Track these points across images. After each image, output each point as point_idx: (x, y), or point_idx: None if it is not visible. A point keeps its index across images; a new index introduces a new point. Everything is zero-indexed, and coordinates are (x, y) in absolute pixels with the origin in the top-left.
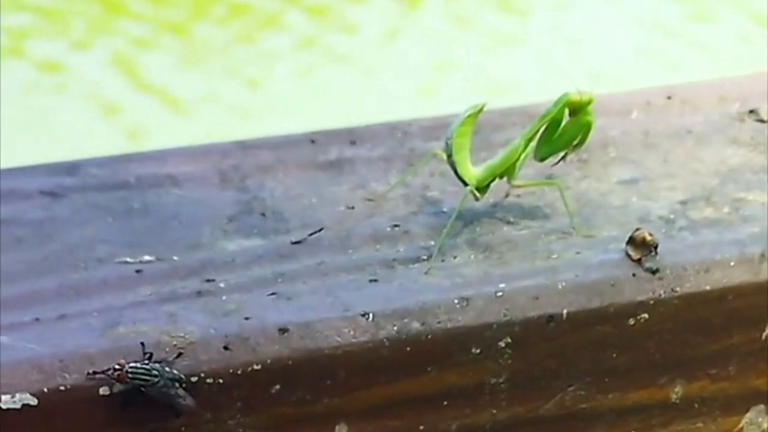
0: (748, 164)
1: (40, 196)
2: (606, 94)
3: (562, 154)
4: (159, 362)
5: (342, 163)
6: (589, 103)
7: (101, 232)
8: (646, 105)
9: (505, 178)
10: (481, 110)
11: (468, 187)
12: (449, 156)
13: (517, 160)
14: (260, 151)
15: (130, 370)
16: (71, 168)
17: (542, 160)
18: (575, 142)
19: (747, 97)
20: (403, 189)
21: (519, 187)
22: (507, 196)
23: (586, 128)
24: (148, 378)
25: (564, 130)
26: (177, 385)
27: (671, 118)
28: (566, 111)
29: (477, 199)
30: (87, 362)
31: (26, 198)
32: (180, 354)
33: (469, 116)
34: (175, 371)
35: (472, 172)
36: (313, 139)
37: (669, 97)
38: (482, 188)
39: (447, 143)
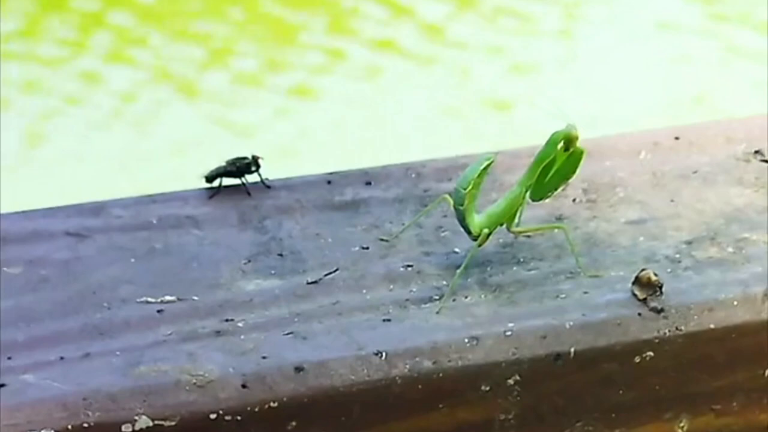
0: (752, 204)
1: (65, 236)
2: (615, 135)
3: (557, 191)
4: None
5: (357, 203)
6: (576, 136)
7: (124, 273)
8: (653, 146)
9: (506, 226)
10: (492, 162)
11: (471, 238)
12: (458, 205)
13: (518, 208)
14: (279, 191)
15: None
16: (96, 209)
17: (540, 200)
18: (569, 176)
19: (753, 138)
20: (416, 229)
21: (521, 233)
22: (517, 236)
23: (579, 159)
24: None
25: (559, 167)
26: None
27: (678, 159)
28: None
29: (479, 245)
30: (109, 400)
31: (52, 238)
32: None
33: (483, 169)
34: None
35: (476, 221)
36: (329, 180)
37: (677, 138)
38: (484, 237)
39: (459, 193)
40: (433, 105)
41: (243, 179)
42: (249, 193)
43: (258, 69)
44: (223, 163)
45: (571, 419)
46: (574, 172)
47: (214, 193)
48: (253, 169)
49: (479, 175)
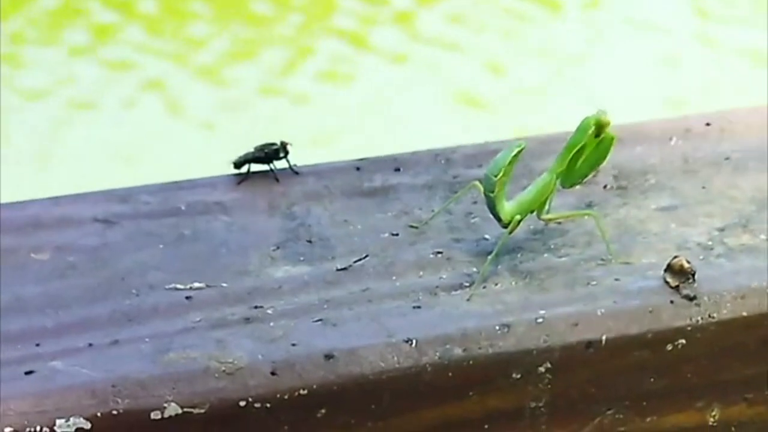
0: None
1: (93, 223)
2: (646, 122)
3: (588, 177)
4: None
5: (387, 189)
6: (608, 122)
7: (153, 259)
8: (685, 132)
9: (536, 213)
10: (523, 149)
11: (501, 225)
12: (489, 192)
13: (549, 195)
14: (307, 178)
15: None
16: (124, 195)
17: (571, 187)
18: (600, 162)
19: None
20: (446, 216)
21: (552, 220)
22: (547, 223)
23: (609, 145)
24: None
25: (589, 154)
26: None
27: (710, 145)
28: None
29: (510, 233)
30: (138, 387)
31: (81, 225)
32: None
33: (513, 156)
34: None
35: (507, 208)
36: (358, 167)
37: (708, 124)
38: (515, 225)
39: (489, 180)
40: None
41: (271, 165)
42: (277, 179)
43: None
44: (252, 149)
45: (602, 407)
46: (604, 158)
47: (242, 179)
48: (282, 155)
49: (510, 162)
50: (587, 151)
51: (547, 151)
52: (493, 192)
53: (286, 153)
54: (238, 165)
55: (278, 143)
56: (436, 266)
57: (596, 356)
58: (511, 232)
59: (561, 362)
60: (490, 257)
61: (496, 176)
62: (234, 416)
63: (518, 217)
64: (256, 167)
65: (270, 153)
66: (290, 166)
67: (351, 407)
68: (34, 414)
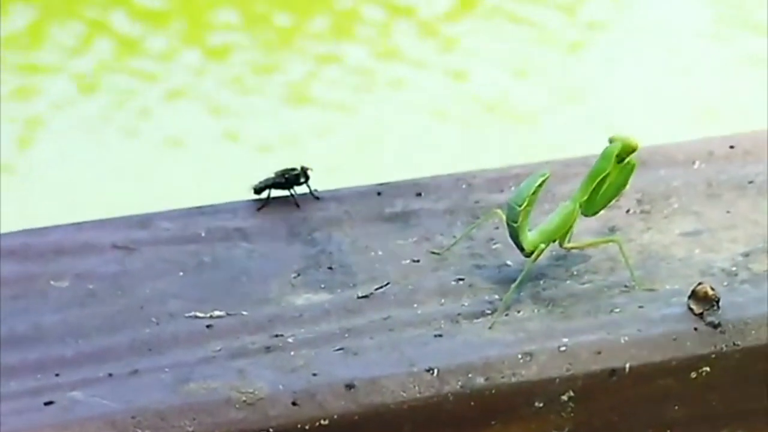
0: None
1: (113, 250)
2: (669, 144)
3: (609, 204)
4: None
5: (408, 215)
6: (636, 147)
7: (173, 287)
8: (708, 155)
9: (558, 242)
10: (547, 178)
11: (524, 255)
12: (512, 221)
13: (572, 224)
14: (328, 203)
15: None
16: (143, 221)
17: (593, 215)
18: (621, 190)
19: None
20: (468, 242)
21: (574, 248)
22: (570, 249)
23: (631, 172)
24: None
25: (612, 181)
26: None
27: (734, 168)
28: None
29: (533, 262)
30: (158, 418)
31: (100, 252)
32: None
33: (538, 186)
34: None
35: (529, 238)
36: (379, 191)
37: (732, 147)
38: (538, 254)
39: (513, 210)
40: None
41: (292, 191)
42: (297, 205)
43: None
44: (272, 175)
45: None
46: (625, 185)
47: (262, 204)
48: (302, 180)
49: (534, 192)
50: (610, 178)
51: (568, 175)
52: (516, 222)
53: (307, 178)
54: (258, 191)
55: (299, 168)
56: (458, 293)
57: (620, 384)
58: (534, 261)
59: (584, 391)
60: (513, 286)
61: (520, 206)
62: None
63: (542, 246)
64: (275, 193)
65: (290, 178)
66: (311, 191)
67: None
68: None
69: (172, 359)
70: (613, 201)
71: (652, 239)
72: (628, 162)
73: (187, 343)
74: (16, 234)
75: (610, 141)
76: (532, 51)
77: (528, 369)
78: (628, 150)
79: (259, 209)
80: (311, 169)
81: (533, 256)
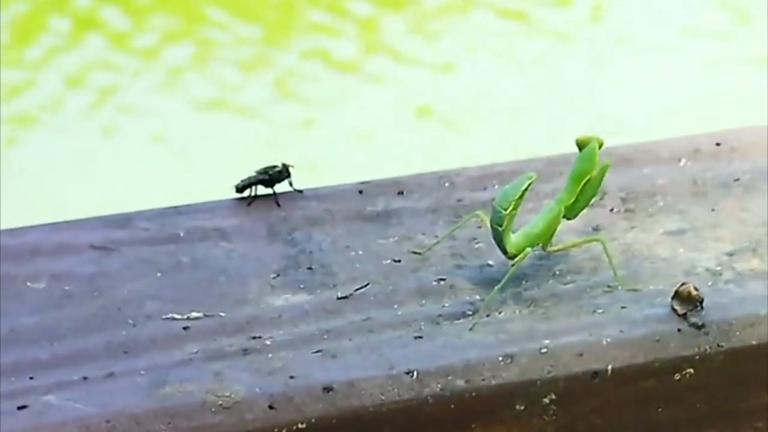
0: None
1: (90, 250)
2: (654, 142)
3: (587, 206)
4: None
5: (389, 214)
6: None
7: (150, 287)
8: (694, 152)
9: (541, 245)
10: (533, 181)
11: (507, 257)
12: (497, 225)
13: (556, 227)
14: (308, 202)
15: None
16: (122, 221)
17: (574, 218)
18: (597, 190)
19: None
20: (449, 241)
21: (558, 251)
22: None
23: (605, 172)
24: None
25: (591, 181)
26: None
27: (720, 166)
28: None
29: (517, 265)
30: (133, 422)
31: (77, 252)
32: None
33: (524, 189)
34: None
35: (513, 241)
36: (361, 190)
37: (718, 144)
38: (522, 258)
39: (498, 213)
40: None
41: (273, 189)
42: (278, 204)
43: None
44: (253, 173)
45: None
46: (600, 185)
47: (249, 202)
48: (284, 176)
49: (521, 196)
50: (592, 179)
51: (552, 173)
52: (501, 225)
53: (289, 175)
54: (240, 189)
55: (280, 165)
56: (439, 294)
57: (602, 386)
58: (518, 265)
59: (566, 393)
60: (495, 289)
61: (506, 210)
62: None
63: (528, 249)
64: (260, 190)
65: (273, 175)
66: (292, 187)
67: None
68: None
69: (148, 362)
70: (591, 202)
71: (636, 238)
72: (604, 163)
73: (164, 345)
74: None
75: (581, 142)
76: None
77: (509, 371)
78: (600, 145)
79: (249, 204)
80: (292, 166)
81: (517, 259)
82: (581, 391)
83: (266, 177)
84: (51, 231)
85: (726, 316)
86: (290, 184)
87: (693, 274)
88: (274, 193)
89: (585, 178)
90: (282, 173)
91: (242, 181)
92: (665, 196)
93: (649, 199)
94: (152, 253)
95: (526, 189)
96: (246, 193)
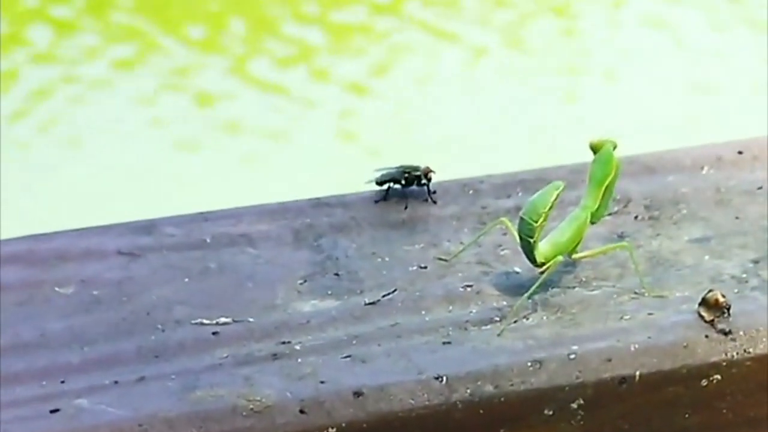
0: None
1: (117, 256)
2: (677, 150)
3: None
4: None
5: (414, 221)
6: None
7: (178, 293)
8: (717, 160)
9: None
10: (561, 191)
11: (537, 268)
12: (525, 235)
13: (583, 235)
14: (334, 209)
15: None
16: (148, 227)
17: (598, 221)
18: (612, 192)
19: None
20: (475, 248)
21: (585, 258)
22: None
23: (618, 174)
24: None
25: (611, 184)
26: None
27: (742, 174)
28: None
29: (545, 275)
30: (166, 426)
31: (104, 258)
32: None
33: (554, 199)
34: None
35: (541, 250)
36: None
37: (740, 152)
38: (553, 267)
39: (527, 224)
40: None
41: (406, 188)
42: (406, 207)
43: None
44: (393, 169)
45: None
46: (614, 186)
47: (381, 197)
48: (423, 182)
49: (551, 207)
50: (612, 182)
51: (576, 181)
52: (532, 237)
53: (429, 180)
54: (380, 182)
55: (422, 168)
56: (466, 300)
57: (629, 392)
58: (547, 275)
59: (594, 398)
60: (524, 296)
61: (536, 222)
62: None
63: (559, 258)
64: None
65: (410, 178)
66: (429, 195)
67: None
68: None
69: (178, 366)
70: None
71: (661, 246)
72: (617, 162)
73: (194, 350)
74: (20, 240)
75: (595, 146)
76: None
77: (537, 377)
78: (614, 147)
79: (377, 202)
80: (434, 172)
81: (547, 267)
82: (609, 397)
83: (405, 176)
84: (77, 237)
85: (753, 322)
86: (428, 189)
87: (719, 281)
88: (406, 195)
89: (606, 182)
90: (420, 177)
91: (382, 175)
92: (689, 204)
93: (673, 207)
94: (179, 259)
95: (555, 199)
96: (383, 188)
